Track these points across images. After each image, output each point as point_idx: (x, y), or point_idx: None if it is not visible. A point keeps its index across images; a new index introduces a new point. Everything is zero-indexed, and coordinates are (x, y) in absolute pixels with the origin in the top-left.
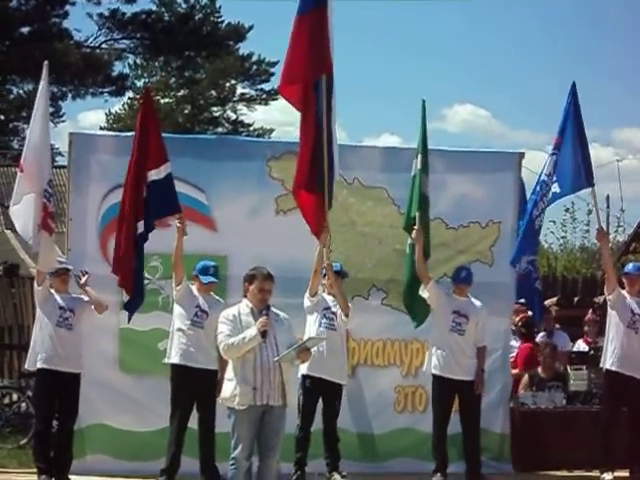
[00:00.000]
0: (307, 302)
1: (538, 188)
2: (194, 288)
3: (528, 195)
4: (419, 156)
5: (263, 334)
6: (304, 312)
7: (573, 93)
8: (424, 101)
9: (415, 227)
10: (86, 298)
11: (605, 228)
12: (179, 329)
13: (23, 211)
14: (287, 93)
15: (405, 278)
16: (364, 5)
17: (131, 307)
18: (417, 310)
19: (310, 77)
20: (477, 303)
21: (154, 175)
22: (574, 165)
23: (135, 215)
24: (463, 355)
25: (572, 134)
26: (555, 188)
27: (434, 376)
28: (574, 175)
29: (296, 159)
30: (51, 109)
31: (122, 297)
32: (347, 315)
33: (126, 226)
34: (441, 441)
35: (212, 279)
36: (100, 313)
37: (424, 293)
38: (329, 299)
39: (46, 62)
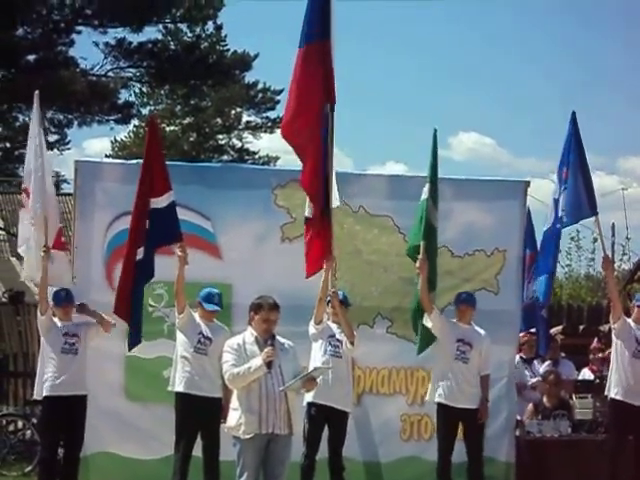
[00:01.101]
0: (312, 330)
1: (559, 229)
2: (197, 315)
3: (535, 223)
4: (427, 185)
5: (268, 365)
6: (309, 340)
7: (573, 122)
8: (435, 130)
9: (419, 256)
10: (91, 320)
11: (610, 256)
12: (183, 357)
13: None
14: (289, 135)
15: (412, 306)
16: (368, 33)
17: (131, 336)
18: (421, 337)
19: (317, 108)
20: (481, 331)
21: (157, 203)
22: (576, 194)
23: (136, 242)
24: (467, 384)
25: (574, 163)
26: (562, 212)
27: (438, 404)
28: (577, 204)
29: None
30: (56, 136)
31: (127, 325)
32: (352, 343)
33: (127, 253)
34: (445, 469)
35: (216, 307)
36: (108, 331)
37: (428, 322)
38: (334, 327)
39: (37, 92)
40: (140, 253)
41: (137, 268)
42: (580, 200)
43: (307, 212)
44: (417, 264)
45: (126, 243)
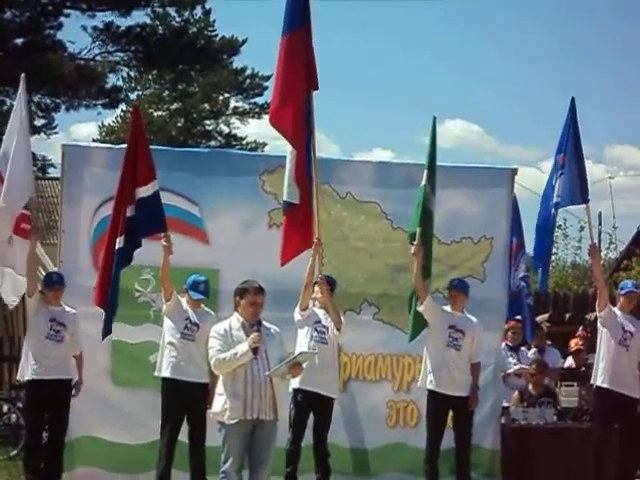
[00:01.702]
0: (298, 316)
1: (553, 215)
2: (184, 301)
3: (521, 211)
4: (425, 171)
5: (254, 350)
6: (295, 325)
7: (572, 109)
8: (435, 118)
9: (415, 242)
10: (75, 311)
11: (597, 245)
12: (169, 342)
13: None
14: (277, 122)
15: (407, 293)
16: (354, 20)
17: (105, 324)
18: (413, 324)
19: (302, 94)
20: (473, 319)
21: (142, 192)
22: (571, 179)
23: (116, 230)
24: (458, 371)
25: (571, 150)
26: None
27: (429, 391)
28: (571, 189)
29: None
30: (44, 120)
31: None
32: (339, 329)
33: (108, 241)
34: (434, 457)
35: (201, 297)
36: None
37: (420, 308)
38: (320, 313)
39: (23, 75)
40: (120, 242)
41: (116, 256)
42: (573, 186)
43: (288, 197)
44: (412, 250)
45: (107, 231)
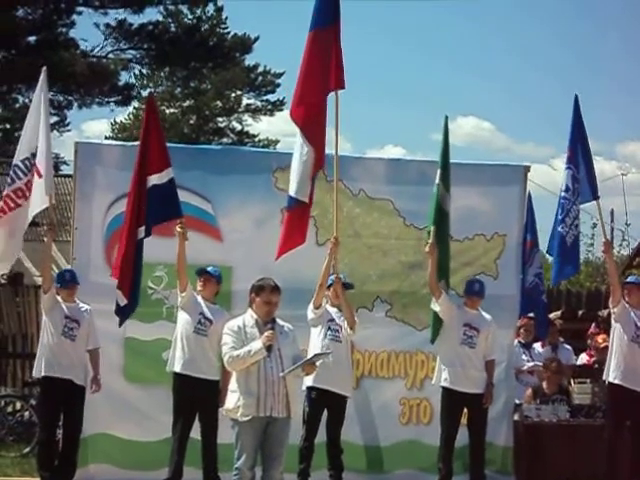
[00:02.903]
0: (311, 314)
1: (560, 209)
2: (199, 297)
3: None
4: (439, 170)
5: (268, 348)
6: (307, 322)
7: (576, 106)
8: (447, 117)
9: (429, 241)
10: (89, 307)
11: (605, 237)
12: (182, 337)
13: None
14: (297, 118)
15: (421, 290)
16: (367, 18)
17: (125, 312)
18: (433, 324)
19: (325, 92)
20: (487, 316)
21: (155, 180)
22: (580, 177)
23: (137, 221)
24: (473, 368)
25: (577, 146)
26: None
27: (444, 389)
28: (581, 187)
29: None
30: (57, 118)
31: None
32: (353, 328)
33: (128, 231)
34: (448, 454)
35: (207, 272)
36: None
37: (435, 306)
38: (333, 311)
39: (44, 68)
40: (141, 232)
41: (138, 246)
42: (583, 183)
43: (298, 194)
44: (427, 248)
45: (125, 222)
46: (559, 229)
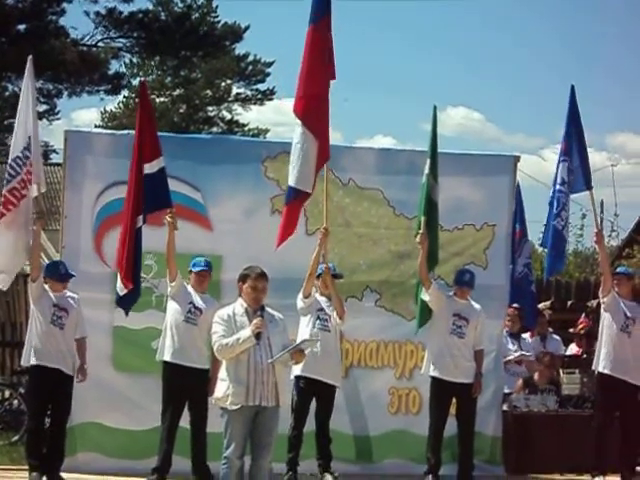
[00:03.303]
0: (300, 303)
1: (555, 202)
2: (189, 286)
3: (524, 198)
4: (428, 161)
5: (257, 336)
6: (297, 312)
7: (572, 96)
8: (435, 107)
9: (420, 231)
10: (76, 296)
11: (597, 227)
12: (172, 325)
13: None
14: (301, 112)
15: (411, 280)
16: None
17: (128, 301)
18: (420, 313)
19: (327, 84)
20: (477, 306)
21: (147, 169)
22: (574, 167)
23: (135, 210)
24: (462, 358)
25: (573, 137)
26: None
27: (433, 378)
28: (575, 177)
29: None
30: (46, 106)
31: (114, 293)
32: (342, 318)
33: (127, 221)
34: (437, 444)
35: (204, 268)
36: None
37: (425, 296)
38: (322, 300)
39: (30, 57)
40: (139, 221)
41: (138, 235)
42: (577, 174)
43: (302, 185)
44: (417, 239)
45: (123, 212)
46: (554, 223)
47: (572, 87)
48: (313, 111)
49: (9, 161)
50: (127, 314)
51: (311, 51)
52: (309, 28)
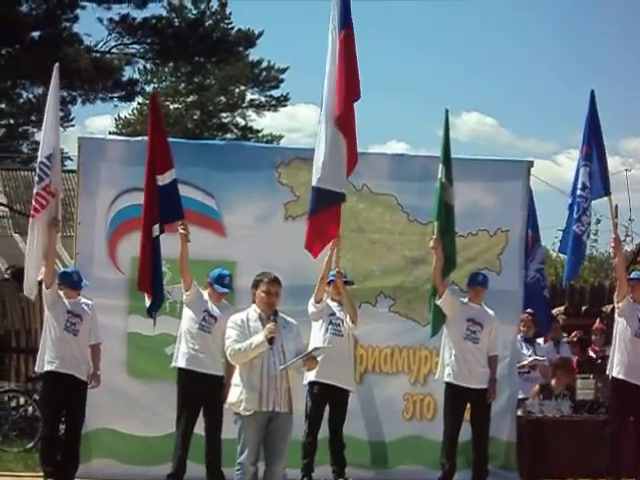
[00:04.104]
0: (312, 309)
1: (575, 207)
2: (205, 293)
3: (537, 203)
4: (441, 165)
5: (270, 341)
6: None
7: (592, 102)
8: (447, 111)
9: (433, 236)
10: (91, 302)
11: (614, 233)
12: (187, 333)
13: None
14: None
15: (425, 285)
16: (370, 14)
17: (152, 310)
18: (434, 318)
19: (356, 94)
20: (490, 312)
21: (159, 181)
22: (593, 172)
23: (151, 219)
24: (477, 363)
25: (592, 142)
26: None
27: (447, 384)
28: (593, 183)
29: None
30: (61, 113)
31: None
32: (354, 322)
33: (143, 230)
34: (451, 450)
35: (226, 290)
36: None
37: (439, 302)
38: (334, 305)
39: (57, 64)
40: (156, 230)
41: (155, 244)
42: (594, 179)
43: (334, 185)
44: (431, 244)
45: (141, 220)
46: (574, 228)
47: (592, 92)
48: (349, 116)
49: (37, 162)
50: (154, 325)
51: (347, 56)
52: (341, 35)
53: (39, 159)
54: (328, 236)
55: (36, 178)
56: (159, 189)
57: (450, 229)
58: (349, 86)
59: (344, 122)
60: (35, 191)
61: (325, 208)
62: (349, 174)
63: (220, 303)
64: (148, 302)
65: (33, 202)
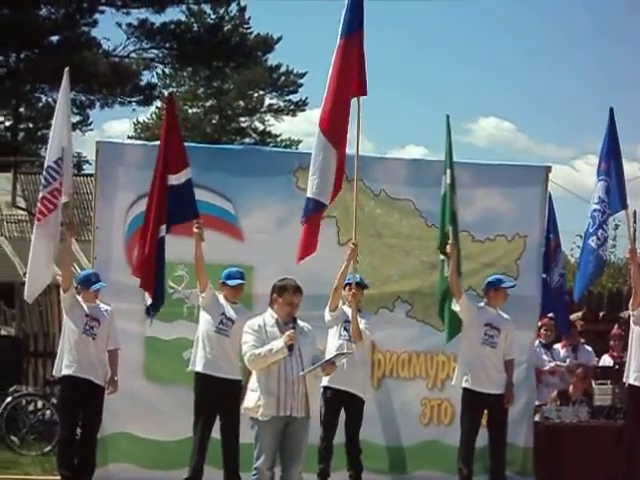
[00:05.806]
0: (327, 316)
1: (591, 220)
2: (221, 296)
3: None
4: (447, 171)
5: (289, 347)
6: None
7: (611, 118)
8: (448, 117)
9: (449, 241)
10: (109, 307)
11: (631, 244)
12: (204, 336)
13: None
14: (326, 127)
15: (438, 292)
16: (389, 17)
17: (151, 309)
18: (450, 324)
19: (349, 98)
20: (506, 316)
21: (174, 180)
22: (612, 187)
23: (159, 219)
24: (494, 368)
25: (609, 157)
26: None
27: (465, 390)
28: (610, 198)
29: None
30: (79, 117)
31: (144, 302)
32: (356, 343)
33: (150, 229)
34: (468, 455)
35: (240, 281)
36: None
37: (455, 307)
38: (349, 311)
39: (67, 69)
40: (162, 230)
41: (160, 244)
42: (611, 194)
43: (322, 197)
44: (447, 249)
45: (146, 221)
46: (589, 242)
47: (611, 110)
48: (337, 125)
49: (44, 167)
50: (150, 324)
51: (342, 65)
52: (340, 42)
53: (46, 163)
54: (312, 242)
55: (42, 182)
56: (173, 188)
57: (456, 235)
58: (336, 95)
59: (333, 133)
60: (41, 195)
61: (310, 215)
62: (337, 183)
63: (237, 306)
64: (149, 301)
65: (39, 206)
